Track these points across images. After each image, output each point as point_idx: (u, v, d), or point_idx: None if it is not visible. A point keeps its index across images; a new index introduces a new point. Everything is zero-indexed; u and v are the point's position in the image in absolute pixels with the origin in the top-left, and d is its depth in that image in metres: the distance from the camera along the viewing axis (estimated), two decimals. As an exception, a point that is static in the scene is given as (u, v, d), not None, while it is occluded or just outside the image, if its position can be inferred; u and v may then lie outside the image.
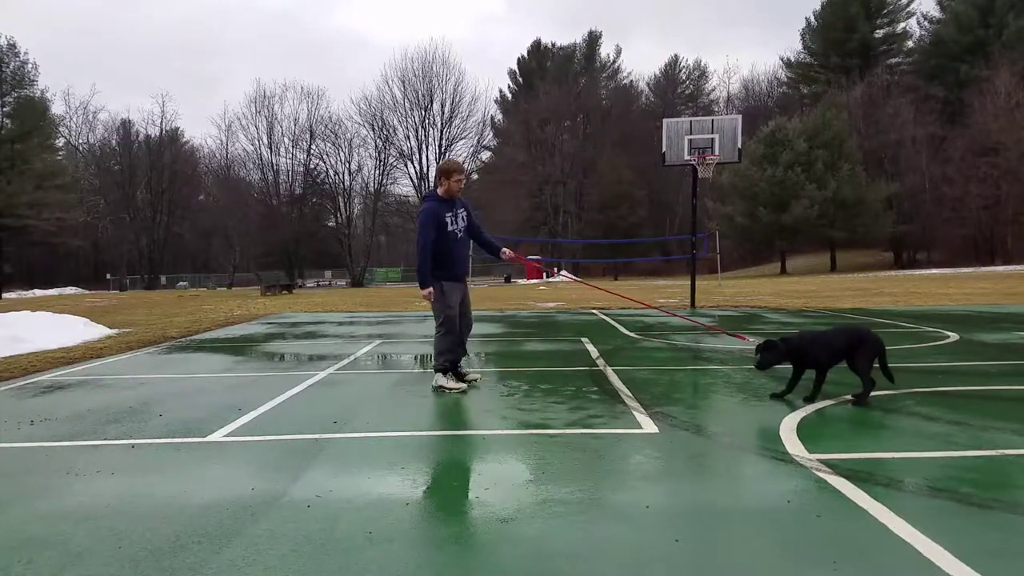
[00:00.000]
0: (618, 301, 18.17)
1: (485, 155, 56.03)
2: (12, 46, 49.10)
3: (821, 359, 4.82)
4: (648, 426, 4.23)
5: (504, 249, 5.97)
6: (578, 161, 61.31)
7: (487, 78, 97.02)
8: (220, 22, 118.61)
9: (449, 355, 5.54)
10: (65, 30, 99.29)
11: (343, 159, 50.59)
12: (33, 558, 2.47)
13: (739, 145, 14.62)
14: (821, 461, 3.39)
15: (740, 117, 15.43)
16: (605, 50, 74.61)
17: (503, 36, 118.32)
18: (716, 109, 65.96)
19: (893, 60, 59.75)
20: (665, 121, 15.38)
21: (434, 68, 47.62)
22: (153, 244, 58.23)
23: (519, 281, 41.60)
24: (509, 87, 73.13)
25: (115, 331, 11.30)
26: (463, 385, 5.49)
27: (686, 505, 2.93)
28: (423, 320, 13.33)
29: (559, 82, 63.54)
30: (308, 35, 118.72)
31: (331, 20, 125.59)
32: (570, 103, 62.49)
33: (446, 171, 5.63)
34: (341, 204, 51.51)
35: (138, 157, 58.71)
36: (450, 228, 5.46)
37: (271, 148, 51.15)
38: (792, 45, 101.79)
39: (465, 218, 5.61)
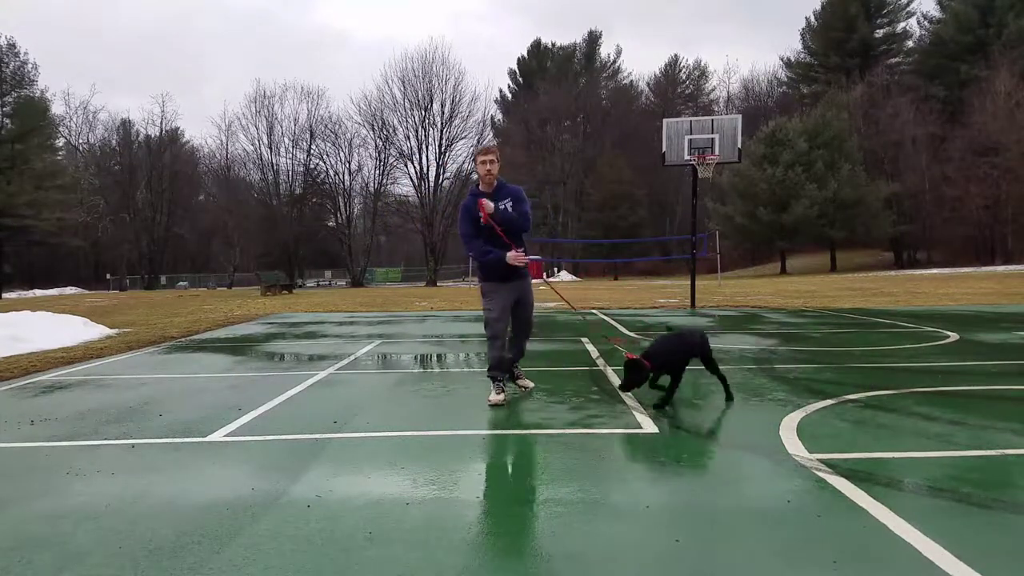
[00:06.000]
0: (618, 301, 18.18)
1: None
2: (12, 46, 49.06)
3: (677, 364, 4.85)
4: (648, 426, 4.23)
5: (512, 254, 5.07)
6: (578, 161, 61.23)
7: (486, 78, 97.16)
8: (197, 20, 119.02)
9: (496, 363, 5.10)
10: (62, 29, 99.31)
11: (343, 159, 50.51)
12: (33, 558, 2.47)
13: (739, 145, 14.61)
14: (821, 461, 3.39)
15: (740, 117, 15.41)
16: (605, 50, 74.82)
17: (485, 34, 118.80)
18: (716, 109, 65.97)
19: (893, 60, 59.68)
20: (665, 121, 15.37)
21: (434, 68, 47.42)
22: (153, 244, 58.15)
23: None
24: (509, 87, 73.22)
25: (115, 331, 11.30)
26: (500, 398, 5.01)
27: (686, 505, 2.93)
28: (423, 320, 13.34)
29: (559, 82, 63.47)
30: (288, 34, 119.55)
31: (310, 18, 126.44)
32: (570, 103, 62.39)
33: (475, 155, 5.25)
34: (341, 204, 51.36)
35: (138, 157, 58.59)
36: (483, 223, 5.00)
37: (271, 148, 51.07)
38: (791, 44, 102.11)
39: (509, 207, 5.03)
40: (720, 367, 5.07)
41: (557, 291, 5.47)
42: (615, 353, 7.76)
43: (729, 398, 4.91)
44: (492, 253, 5.02)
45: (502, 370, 5.16)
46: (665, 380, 4.79)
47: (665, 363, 4.72)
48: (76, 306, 19.52)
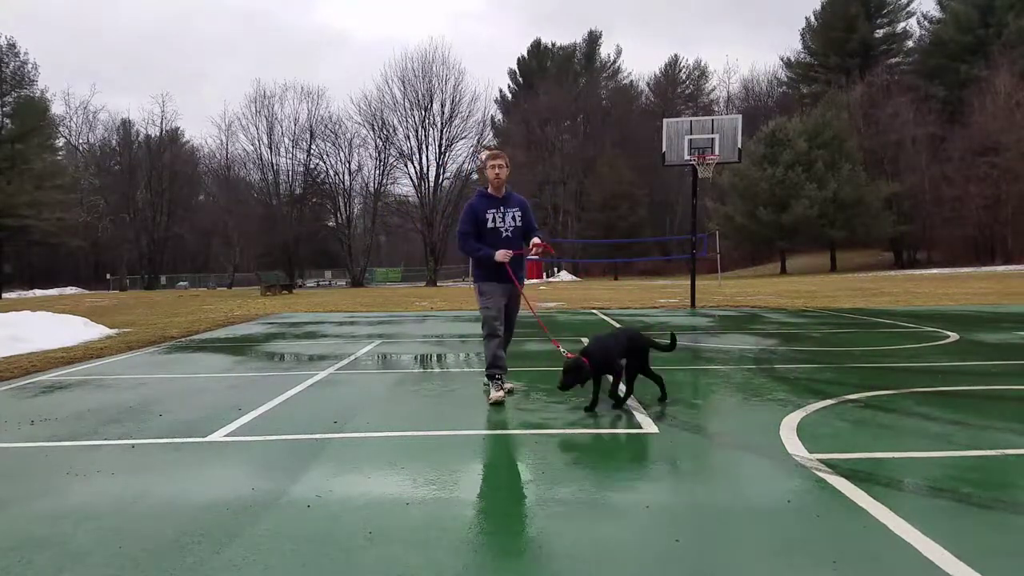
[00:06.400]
0: (618, 301, 18.19)
1: (485, 155, 55.82)
2: (12, 46, 49.08)
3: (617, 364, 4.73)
4: (648, 426, 4.23)
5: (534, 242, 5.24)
6: (578, 161, 61.21)
7: (486, 78, 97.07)
8: (197, 20, 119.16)
9: (493, 360, 5.14)
10: (62, 30, 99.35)
11: (343, 159, 50.46)
12: (33, 558, 2.47)
13: (739, 145, 14.61)
14: (821, 461, 3.39)
15: (740, 117, 15.41)
16: (605, 50, 74.84)
17: (485, 34, 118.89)
18: (716, 109, 65.98)
19: (893, 60, 59.71)
20: (665, 121, 15.37)
21: (434, 68, 47.38)
22: (153, 244, 58.13)
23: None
24: (509, 87, 73.18)
25: (115, 331, 11.30)
26: (500, 395, 5.06)
27: (686, 505, 2.93)
28: (423, 320, 13.34)
29: (559, 82, 63.43)
30: (288, 34, 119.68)
31: (310, 18, 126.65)
32: (570, 103, 62.37)
33: (485, 157, 5.37)
34: (341, 204, 51.32)
35: (138, 157, 58.60)
36: (491, 225, 5.12)
37: (271, 148, 51.05)
38: (791, 44, 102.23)
39: (518, 218, 5.20)
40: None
41: (525, 297, 5.41)
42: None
43: (663, 397, 4.87)
44: (483, 251, 5.13)
45: (500, 368, 5.18)
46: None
47: (603, 361, 4.66)
48: (76, 306, 19.52)
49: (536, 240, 5.17)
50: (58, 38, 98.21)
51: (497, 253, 5.06)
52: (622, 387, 4.87)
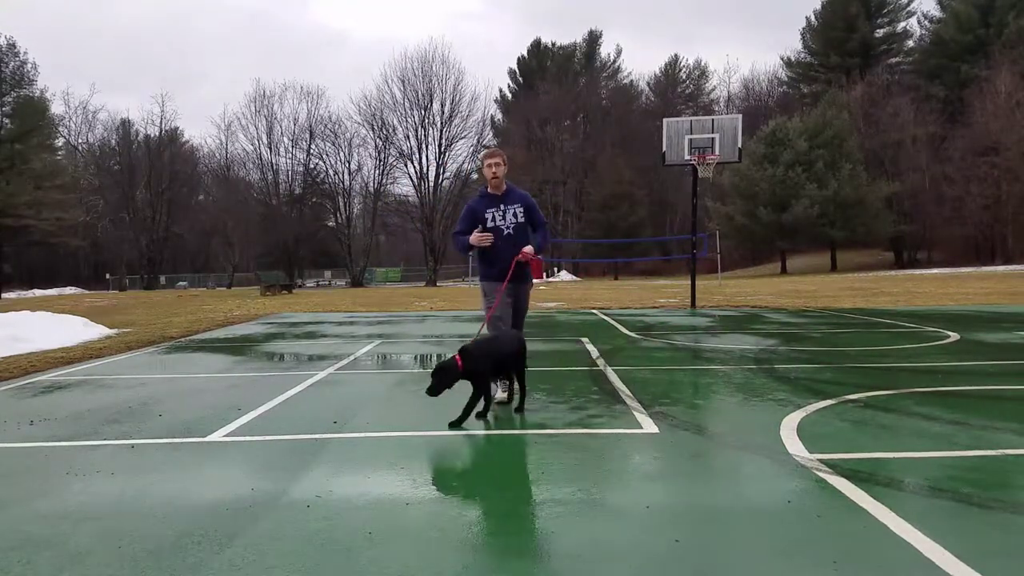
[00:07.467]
0: (618, 301, 18.19)
1: (483, 154, 55.86)
2: (12, 46, 49.06)
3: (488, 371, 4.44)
4: (648, 426, 4.23)
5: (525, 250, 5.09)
6: (578, 161, 61.21)
7: (486, 78, 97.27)
8: (197, 20, 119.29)
9: None
10: (62, 29, 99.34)
11: (343, 159, 50.41)
12: (33, 558, 2.47)
13: (739, 145, 14.61)
14: (821, 461, 3.39)
15: (740, 117, 15.41)
16: (605, 50, 74.84)
17: (484, 34, 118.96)
18: (716, 108, 65.95)
19: (893, 60, 59.74)
20: (665, 121, 15.36)
21: (434, 68, 47.39)
22: (153, 244, 58.00)
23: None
24: (509, 87, 73.16)
25: (115, 331, 11.29)
26: (503, 395, 4.98)
27: (686, 505, 2.93)
28: (423, 320, 13.34)
29: (559, 82, 63.43)
30: (287, 34, 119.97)
31: (309, 18, 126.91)
32: (570, 103, 62.35)
33: (481, 158, 5.31)
34: (341, 204, 51.29)
35: (137, 157, 58.52)
36: (491, 224, 5.04)
37: (271, 148, 51.07)
38: (791, 44, 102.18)
39: (520, 214, 5.08)
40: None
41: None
42: (615, 353, 7.76)
43: (519, 408, 4.66)
44: (462, 239, 5.06)
45: None
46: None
47: (476, 366, 4.32)
48: (76, 306, 19.52)
49: (526, 250, 5.01)
50: (58, 37, 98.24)
51: (471, 236, 4.97)
52: (516, 394, 4.70)
